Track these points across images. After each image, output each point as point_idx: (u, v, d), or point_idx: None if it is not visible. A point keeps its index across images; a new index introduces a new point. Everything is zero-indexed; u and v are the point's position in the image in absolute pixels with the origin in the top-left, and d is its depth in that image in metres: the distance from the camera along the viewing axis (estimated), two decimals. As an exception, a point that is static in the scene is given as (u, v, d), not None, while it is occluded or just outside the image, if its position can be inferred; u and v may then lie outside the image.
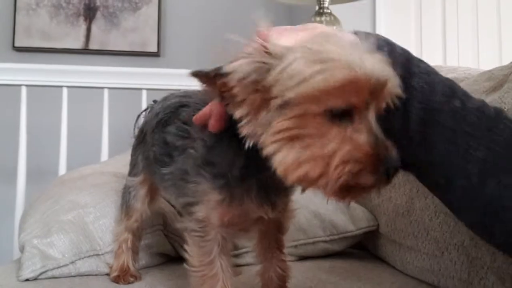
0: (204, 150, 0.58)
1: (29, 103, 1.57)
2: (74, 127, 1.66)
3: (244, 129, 0.48)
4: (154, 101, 0.84)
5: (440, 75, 0.54)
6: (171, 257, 0.97)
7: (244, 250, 0.95)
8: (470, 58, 1.67)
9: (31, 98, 1.59)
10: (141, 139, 0.81)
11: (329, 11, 1.53)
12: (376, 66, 0.45)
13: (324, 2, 1.53)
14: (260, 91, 0.46)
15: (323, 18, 1.51)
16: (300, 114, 0.44)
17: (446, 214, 0.76)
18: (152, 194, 0.83)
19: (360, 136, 0.45)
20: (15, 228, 1.37)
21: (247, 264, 0.93)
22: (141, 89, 1.63)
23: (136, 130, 0.85)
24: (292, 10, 2.29)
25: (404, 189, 0.89)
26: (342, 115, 0.45)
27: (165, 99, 0.77)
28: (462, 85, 0.85)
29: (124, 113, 1.79)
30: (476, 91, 0.77)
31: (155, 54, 2.28)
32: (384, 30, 1.80)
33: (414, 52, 0.55)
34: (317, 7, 1.54)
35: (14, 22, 2.20)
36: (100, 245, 0.86)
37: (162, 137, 0.69)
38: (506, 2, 1.63)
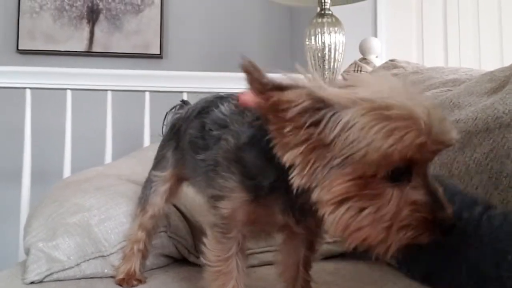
0: (236, 146, 0.57)
1: (34, 106, 1.58)
2: (78, 130, 1.67)
3: (296, 180, 0.45)
4: (182, 101, 0.84)
5: None
6: (175, 259, 0.97)
7: (250, 251, 0.95)
8: (471, 59, 1.67)
9: (36, 101, 1.60)
10: (172, 135, 0.81)
11: (330, 12, 1.53)
12: (442, 124, 0.44)
13: (326, 4, 1.53)
14: (317, 143, 0.43)
15: (324, 20, 1.51)
16: (360, 176, 0.43)
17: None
18: (172, 191, 0.83)
19: (418, 195, 0.44)
20: (20, 231, 1.37)
21: (252, 266, 0.93)
22: (144, 91, 1.64)
23: (165, 129, 0.86)
24: (293, 11, 2.30)
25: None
26: (401, 173, 0.44)
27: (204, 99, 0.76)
28: (464, 86, 0.85)
29: (128, 115, 1.81)
30: (477, 93, 0.77)
31: (158, 56, 2.29)
32: (385, 31, 1.79)
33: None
34: (318, 9, 1.55)
35: (17, 25, 2.21)
36: (106, 246, 0.87)
37: (202, 122, 0.68)
38: (507, 3, 1.63)
